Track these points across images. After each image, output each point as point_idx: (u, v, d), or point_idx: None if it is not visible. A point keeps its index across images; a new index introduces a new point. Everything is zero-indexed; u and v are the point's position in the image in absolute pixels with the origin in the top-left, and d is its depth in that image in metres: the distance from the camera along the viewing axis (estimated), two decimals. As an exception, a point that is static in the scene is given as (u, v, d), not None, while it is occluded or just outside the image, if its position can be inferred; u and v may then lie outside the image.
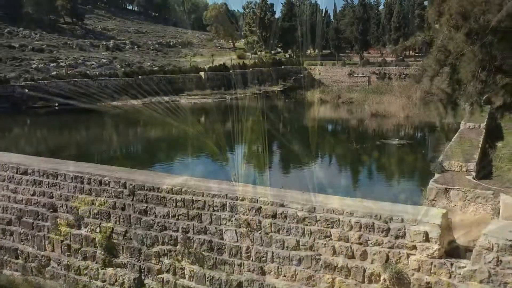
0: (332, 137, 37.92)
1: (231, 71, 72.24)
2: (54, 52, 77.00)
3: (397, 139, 30.93)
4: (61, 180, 11.73)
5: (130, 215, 10.75)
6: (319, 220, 8.62)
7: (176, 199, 10.12)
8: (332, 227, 8.52)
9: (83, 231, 11.38)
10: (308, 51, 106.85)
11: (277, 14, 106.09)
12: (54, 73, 61.34)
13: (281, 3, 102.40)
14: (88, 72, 64.34)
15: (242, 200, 9.40)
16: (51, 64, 67.92)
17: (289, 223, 8.90)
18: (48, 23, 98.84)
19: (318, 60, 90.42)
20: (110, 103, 57.62)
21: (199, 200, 9.86)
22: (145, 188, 10.55)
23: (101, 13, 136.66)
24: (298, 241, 8.85)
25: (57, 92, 56.16)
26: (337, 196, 9.23)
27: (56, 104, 54.56)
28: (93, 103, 56.92)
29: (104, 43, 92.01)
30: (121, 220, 10.87)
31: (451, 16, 8.38)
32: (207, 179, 10.74)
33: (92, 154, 31.13)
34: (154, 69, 71.73)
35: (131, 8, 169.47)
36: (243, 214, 9.36)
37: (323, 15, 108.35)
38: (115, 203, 10.94)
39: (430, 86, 11.20)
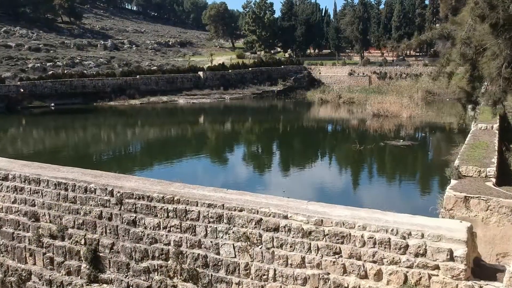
0: (334, 138, 36.96)
1: (230, 71, 71.20)
2: (51, 51, 76.08)
3: (401, 140, 29.92)
4: (43, 187, 10.76)
5: (117, 226, 9.78)
6: (327, 234, 7.65)
7: (167, 208, 9.16)
8: (342, 243, 7.55)
9: (66, 243, 10.40)
10: (308, 51, 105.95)
11: (277, 13, 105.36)
12: (50, 72, 60.30)
13: (281, 2, 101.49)
14: (85, 71, 63.31)
15: (241, 210, 8.44)
16: (48, 64, 66.99)
17: (293, 237, 7.93)
18: (46, 22, 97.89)
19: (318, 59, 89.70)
20: (107, 103, 56.78)
21: (193, 210, 8.90)
22: (133, 196, 9.58)
23: (100, 13, 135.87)
24: (303, 258, 7.88)
25: (53, 92, 55.33)
26: (347, 207, 8.25)
27: (52, 104, 53.68)
28: (89, 103, 56.19)
29: (102, 43, 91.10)
30: (108, 231, 9.90)
31: (476, 4, 7.45)
32: (202, 186, 9.76)
33: (87, 156, 30.27)
34: (152, 68, 70.74)
35: (130, 8, 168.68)
36: (242, 227, 8.39)
37: (323, 14, 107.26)
38: (101, 212, 9.97)
39: (448, 84, 10.23)
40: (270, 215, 8.16)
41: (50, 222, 10.65)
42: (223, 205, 8.61)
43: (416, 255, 7.01)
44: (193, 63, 77.03)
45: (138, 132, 41.88)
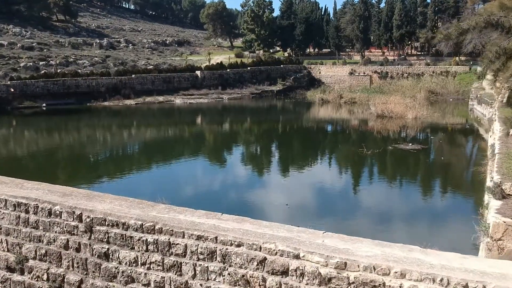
0: (339, 141, 34.96)
1: (228, 70, 69.32)
2: (45, 50, 74.19)
3: (410, 144, 28.05)
4: (0, 208, 8.92)
5: (86, 259, 7.94)
6: (353, 282, 5.82)
7: (147, 240, 7.32)
8: (374, 295, 5.72)
9: (26, 278, 8.56)
10: (308, 50, 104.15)
11: (276, 12, 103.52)
12: (42, 72, 58.36)
13: (280, 1, 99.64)
14: (79, 70, 61.38)
15: (238, 245, 6.60)
16: (41, 63, 65.11)
17: (307, 284, 6.10)
18: (40, 21, 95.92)
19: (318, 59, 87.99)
20: (102, 103, 54.88)
21: (178, 244, 7.06)
22: (106, 223, 7.74)
23: (96, 11, 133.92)
24: (320, 312, 6.05)
25: (45, 92, 53.46)
26: (375, 241, 6.42)
27: (44, 105, 51.79)
28: (83, 103, 54.28)
29: (98, 41, 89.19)
30: (75, 265, 8.07)
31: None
32: (191, 209, 7.93)
33: (76, 159, 28.50)
34: (148, 67, 68.83)
35: (127, 7, 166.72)
36: (240, 267, 6.55)
37: (322, 13, 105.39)
38: (68, 241, 8.14)
39: (494, 83, 8.41)
40: (276, 253, 6.32)
41: (8, 251, 8.81)
42: (216, 237, 6.78)
43: (477, 316, 5.20)
44: (191, 62, 75.21)
45: (132, 134, 40.04)
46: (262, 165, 26.33)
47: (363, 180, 22.24)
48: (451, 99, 58.62)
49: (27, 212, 8.63)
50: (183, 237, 7.03)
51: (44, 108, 51.15)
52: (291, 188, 20.67)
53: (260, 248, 6.43)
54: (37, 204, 8.56)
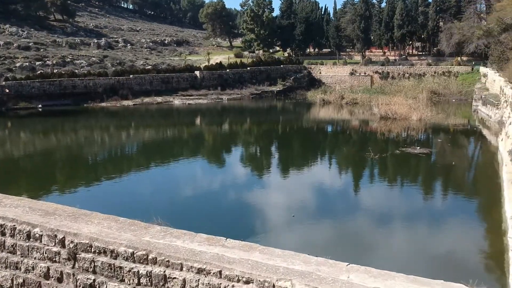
0: (343, 144, 33.79)
1: (227, 70, 68.21)
2: (42, 50, 73.13)
3: (418, 147, 26.99)
4: (-26, 228, 7.85)
5: (69, 291, 6.89)
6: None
7: (139, 272, 6.26)
8: None
9: (1, 310, 7.52)
10: (308, 50, 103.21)
11: (276, 12, 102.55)
12: (39, 72, 57.24)
13: (280, 0, 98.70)
14: (76, 71, 60.25)
15: (247, 282, 5.54)
16: (37, 63, 64.03)
17: (331, 333, 5.06)
18: (37, 20, 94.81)
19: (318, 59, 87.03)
20: (99, 104, 53.81)
21: (175, 278, 6.00)
22: (92, 249, 6.68)
23: (95, 11, 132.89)
24: None
25: (41, 93, 52.37)
26: (409, 277, 5.37)
27: (40, 106, 50.70)
28: (80, 104, 53.18)
29: (96, 41, 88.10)
30: (57, 297, 7.02)
31: None
32: (190, 232, 6.86)
33: (68, 163, 27.45)
34: (147, 67, 67.74)
35: (126, 6, 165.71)
36: (249, 309, 5.51)
37: (322, 12, 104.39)
38: (49, 269, 7.08)
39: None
40: (293, 293, 5.27)
41: (-18, 278, 7.75)
42: (220, 271, 5.72)
43: None
44: (190, 62, 74.13)
45: (130, 136, 38.97)
46: (265, 170, 25.27)
47: (372, 187, 21.12)
48: (453, 100, 57.78)
49: (3, 234, 7.57)
50: (181, 269, 5.97)
51: (40, 109, 50.13)
52: (297, 196, 19.52)
53: (274, 286, 5.38)
54: (14, 226, 7.50)
